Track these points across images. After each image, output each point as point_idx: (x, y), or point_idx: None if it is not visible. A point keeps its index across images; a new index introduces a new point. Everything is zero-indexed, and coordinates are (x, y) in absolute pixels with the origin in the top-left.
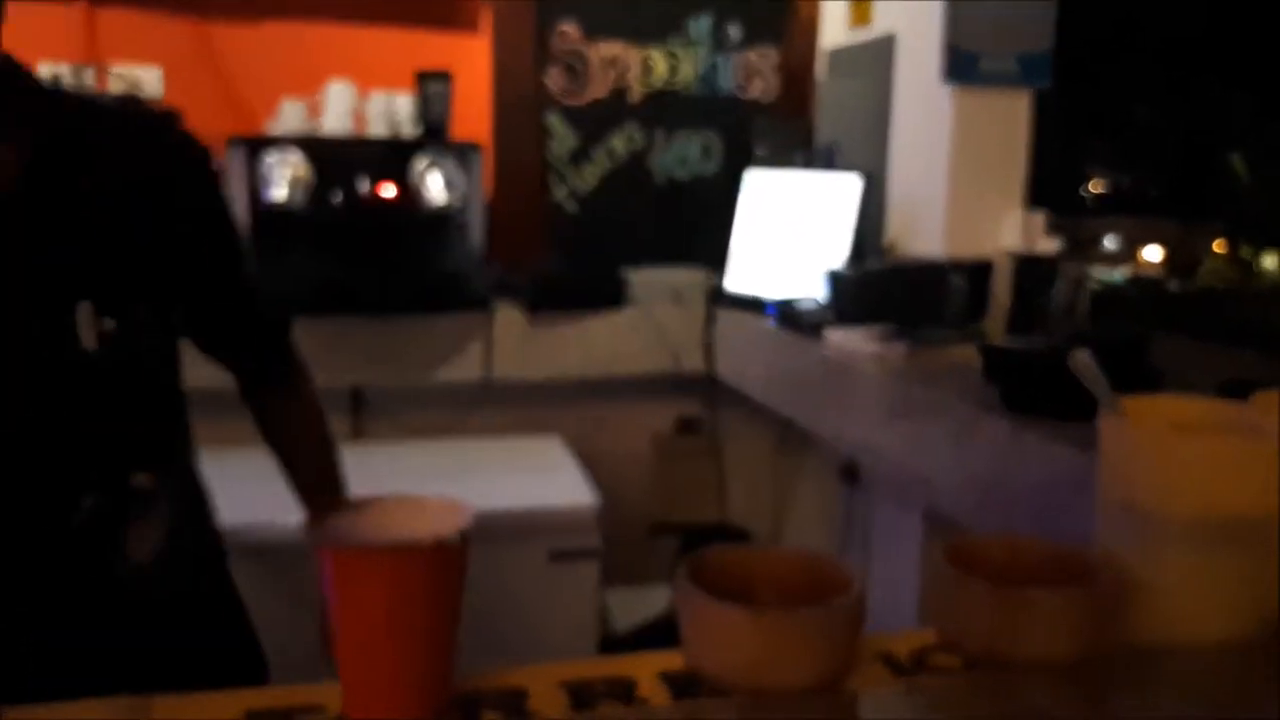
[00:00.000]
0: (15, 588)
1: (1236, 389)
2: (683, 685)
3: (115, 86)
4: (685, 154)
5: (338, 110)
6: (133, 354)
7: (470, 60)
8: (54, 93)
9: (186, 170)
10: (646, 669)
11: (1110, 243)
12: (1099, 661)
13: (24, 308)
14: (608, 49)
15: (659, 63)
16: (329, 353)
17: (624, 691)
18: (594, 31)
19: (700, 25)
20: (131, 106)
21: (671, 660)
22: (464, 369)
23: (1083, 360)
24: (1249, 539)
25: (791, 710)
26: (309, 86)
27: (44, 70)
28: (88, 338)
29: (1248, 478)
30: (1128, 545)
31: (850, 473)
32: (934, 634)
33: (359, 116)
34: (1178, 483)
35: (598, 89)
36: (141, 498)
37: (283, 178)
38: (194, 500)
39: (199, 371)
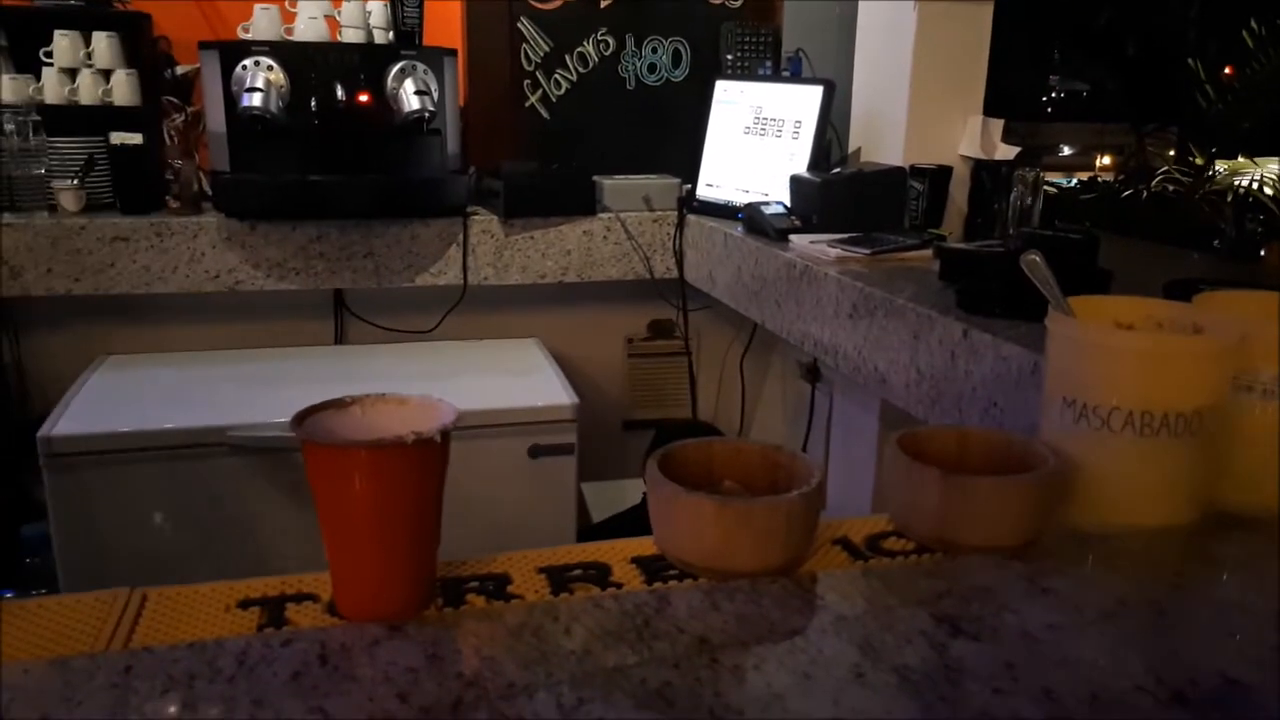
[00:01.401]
0: None
1: (1181, 289)
2: (653, 569)
3: None
4: (656, 60)
5: (311, 15)
6: None
7: None
8: None
9: None
10: (620, 555)
11: (1069, 148)
12: (1042, 545)
13: None
14: None
15: None
16: (311, 257)
17: (599, 576)
18: None
19: None
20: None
21: (643, 546)
22: (443, 274)
23: (1033, 262)
24: (1185, 431)
25: (754, 591)
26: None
27: None
28: None
29: (1185, 373)
30: (1072, 437)
31: (813, 372)
32: (888, 520)
33: (332, 23)
34: (1119, 378)
35: None
36: None
37: (258, 84)
38: None
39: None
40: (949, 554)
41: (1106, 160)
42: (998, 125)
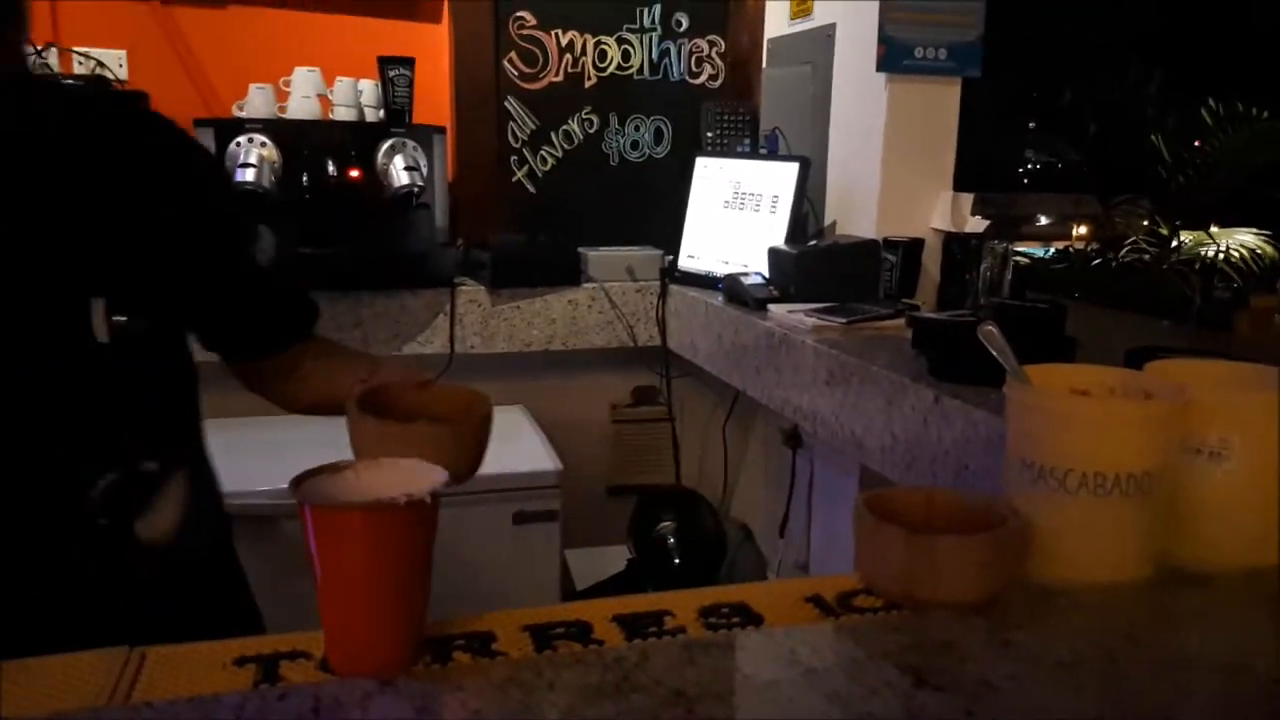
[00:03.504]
0: (31, 566)
1: (1140, 356)
2: (634, 626)
3: (80, 69)
4: (638, 138)
5: (304, 94)
6: (142, 344)
7: (432, 48)
8: (21, 76)
9: (162, 155)
10: (601, 613)
11: (1046, 218)
12: (1004, 601)
13: (30, 302)
14: (564, 35)
15: (612, 49)
16: None
17: (581, 633)
18: (549, 22)
19: (651, 14)
20: (101, 89)
21: (624, 605)
22: (430, 343)
23: (989, 332)
24: (1136, 491)
25: (728, 646)
26: (275, 73)
27: None
28: (100, 330)
29: (1134, 436)
30: (1031, 497)
31: (793, 437)
32: (858, 578)
33: (324, 101)
34: (1072, 441)
35: (554, 74)
36: (152, 481)
37: (252, 159)
38: (203, 480)
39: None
40: (915, 610)
41: (1083, 230)
42: (967, 199)
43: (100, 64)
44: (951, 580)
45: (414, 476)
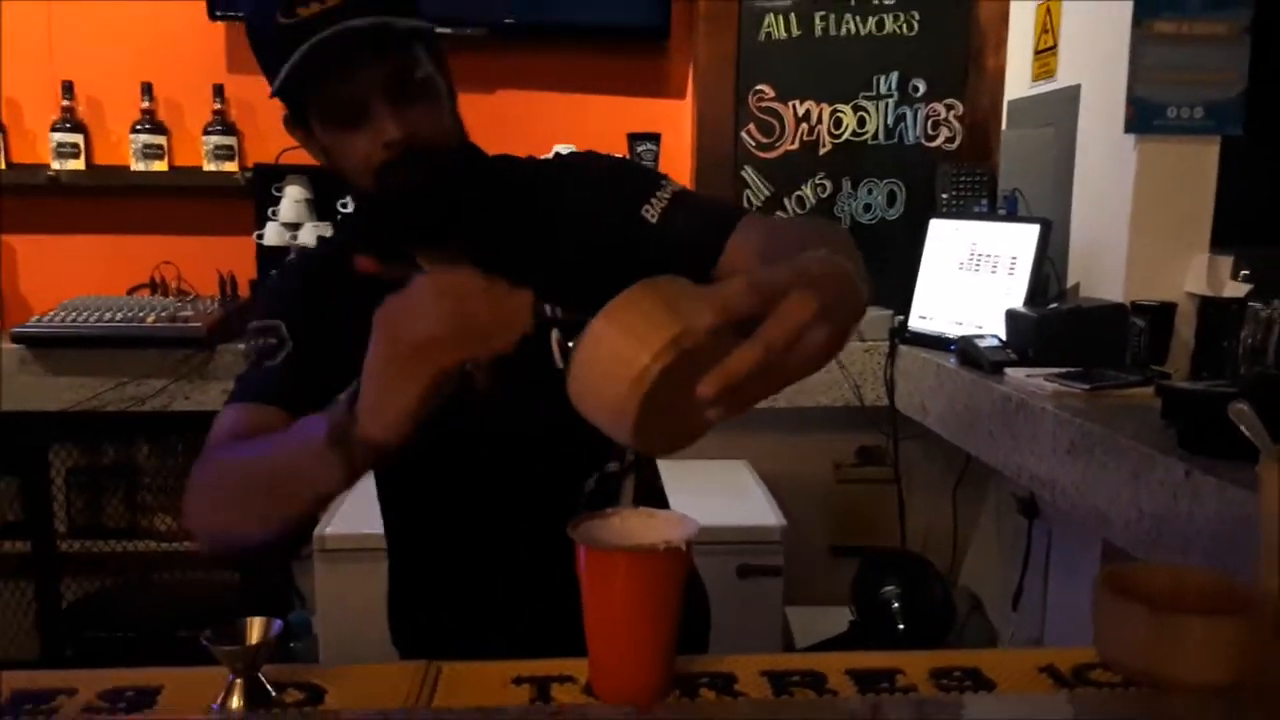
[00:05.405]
0: (539, 558)
1: None
2: (867, 681)
3: None
4: (871, 200)
5: None
6: None
7: (677, 123)
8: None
9: (590, 189)
10: (835, 665)
11: None
12: (1251, 689)
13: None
14: (800, 105)
15: (848, 116)
16: None
17: (816, 682)
18: (788, 94)
19: (888, 81)
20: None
21: (857, 660)
22: None
23: (1240, 410)
24: None
25: (959, 707)
26: (538, 150)
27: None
28: (558, 358)
29: None
30: None
31: (1029, 506)
32: (1095, 653)
33: None
34: None
35: (790, 142)
36: (615, 481)
37: None
38: (647, 481)
39: None
40: (1155, 689)
41: None
42: (1226, 262)
43: None
44: (1197, 662)
45: (669, 526)
